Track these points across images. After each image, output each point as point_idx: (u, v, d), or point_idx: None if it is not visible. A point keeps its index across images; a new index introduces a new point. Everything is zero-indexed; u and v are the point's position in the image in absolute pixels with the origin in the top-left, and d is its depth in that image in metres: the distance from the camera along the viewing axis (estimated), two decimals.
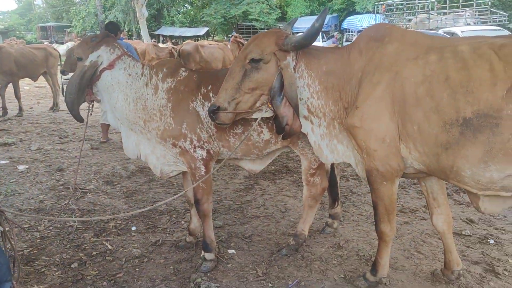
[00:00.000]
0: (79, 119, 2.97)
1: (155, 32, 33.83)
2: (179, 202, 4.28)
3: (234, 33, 25.87)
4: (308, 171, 3.22)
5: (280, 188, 4.77)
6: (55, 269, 2.99)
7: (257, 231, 3.69)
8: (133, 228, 3.67)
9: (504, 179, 2.11)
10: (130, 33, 33.60)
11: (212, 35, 37.61)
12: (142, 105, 2.93)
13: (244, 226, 3.80)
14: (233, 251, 3.32)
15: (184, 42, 13.43)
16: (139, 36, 32.16)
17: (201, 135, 2.93)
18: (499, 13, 19.17)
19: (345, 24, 28.54)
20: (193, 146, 2.92)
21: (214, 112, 2.55)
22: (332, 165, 3.59)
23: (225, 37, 37.36)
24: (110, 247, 3.33)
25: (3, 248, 1.99)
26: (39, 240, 3.41)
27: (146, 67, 3.00)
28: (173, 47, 13.17)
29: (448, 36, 11.95)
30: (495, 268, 3.01)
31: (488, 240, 3.43)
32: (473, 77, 2.14)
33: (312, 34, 2.47)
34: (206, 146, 2.95)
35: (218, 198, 4.44)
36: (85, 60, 2.87)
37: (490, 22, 18.02)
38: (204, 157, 2.96)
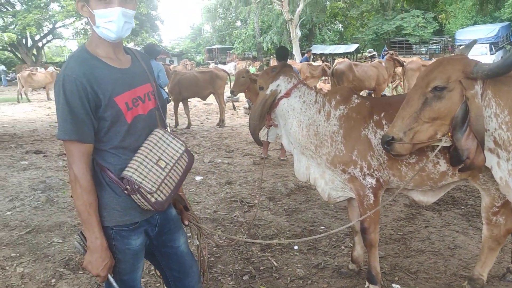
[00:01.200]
0: (259, 142, 3.24)
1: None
2: (337, 225, 4.28)
3: (385, 49, 25.06)
4: (490, 208, 2.89)
5: (447, 221, 4.38)
6: (229, 278, 3.29)
7: (423, 267, 3.45)
8: (295, 248, 3.80)
9: None
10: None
11: (362, 51, 37.09)
12: (314, 131, 3.04)
13: (408, 259, 3.60)
14: (398, 286, 3.17)
15: (336, 61, 13.54)
16: (291, 55, 33.68)
17: (371, 162, 2.89)
18: None
19: None
20: (362, 174, 2.91)
21: (388, 143, 2.49)
22: None
23: (375, 53, 36.47)
24: (275, 263, 3.51)
25: (196, 259, 2.26)
26: (215, 249, 3.79)
27: (319, 95, 3.12)
28: (326, 64, 13.40)
29: None
30: None
31: None
32: None
33: (510, 64, 2.24)
34: (376, 174, 2.91)
35: (379, 226, 4.29)
36: (266, 89, 3.12)
37: None
38: (374, 185, 2.91)
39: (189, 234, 2.28)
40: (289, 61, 20.11)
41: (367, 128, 2.94)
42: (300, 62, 16.94)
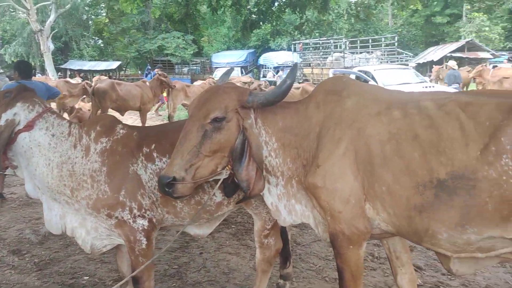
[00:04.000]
0: None
1: (62, 66, 31.78)
2: (104, 271, 3.68)
3: (149, 67, 25.25)
4: (262, 232, 2.93)
5: (220, 243, 4.38)
6: None
7: None
8: None
9: (481, 240, 2.02)
10: (33, 66, 31.13)
11: (124, 69, 36.40)
12: (69, 171, 2.43)
13: None
14: None
15: (94, 78, 12.60)
16: (42, 70, 29.91)
17: (142, 202, 2.50)
18: (405, 53, 21.30)
19: (261, 60, 29.50)
20: (132, 216, 2.48)
21: (169, 184, 2.16)
22: None
23: (139, 71, 36.45)
24: None
25: None
26: None
27: (74, 126, 2.53)
28: (86, 82, 12.27)
29: (365, 76, 12.83)
30: None
31: None
32: (444, 136, 2.05)
33: (284, 91, 2.26)
34: (148, 215, 2.53)
35: None
36: None
37: (398, 61, 19.88)
38: (146, 227, 2.52)
39: None
40: (42, 78, 17.67)
41: (136, 163, 2.54)
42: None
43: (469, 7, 35.06)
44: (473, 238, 2.02)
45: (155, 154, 2.56)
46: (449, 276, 3.63)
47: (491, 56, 27.52)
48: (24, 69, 5.09)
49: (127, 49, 33.24)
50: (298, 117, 2.47)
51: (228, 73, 2.93)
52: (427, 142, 2.07)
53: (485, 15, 34.32)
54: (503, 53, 32.22)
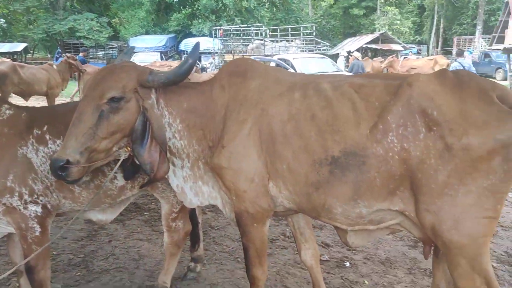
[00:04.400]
0: None
1: None
2: (1, 264, 3.39)
3: (59, 51, 23.41)
4: (169, 215, 2.89)
5: (131, 231, 4.24)
6: None
7: None
8: None
9: (372, 213, 2.18)
10: None
11: (31, 51, 33.43)
12: None
13: (91, 284, 3.21)
14: None
15: None
16: None
17: (34, 187, 2.33)
18: (323, 43, 22.10)
19: (182, 46, 28.76)
20: (23, 202, 2.30)
21: (62, 168, 2.02)
22: None
23: (48, 55, 33.72)
24: None
25: None
26: None
27: None
28: None
29: (284, 63, 13.12)
30: None
31: (344, 263, 3.62)
32: (338, 116, 2.17)
33: (186, 71, 2.22)
34: (41, 200, 2.36)
35: (55, 252, 3.68)
36: None
37: (315, 50, 20.58)
38: (40, 214, 2.36)
39: None
40: None
41: (26, 146, 2.35)
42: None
43: (382, 0, 37.32)
44: (365, 212, 2.17)
45: (47, 136, 2.39)
46: (353, 251, 3.89)
47: (402, 48, 29.54)
48: None
49: (28, 28, 30.37)
50: (204, 99, 2.46)
51: (128, 52, 2.81)
52: (323, 121, 2.18)
53: (397, 9, 36.81)
54: (413, 45, 34.95)
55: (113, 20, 33.87)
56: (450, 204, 1.93)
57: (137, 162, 2.27)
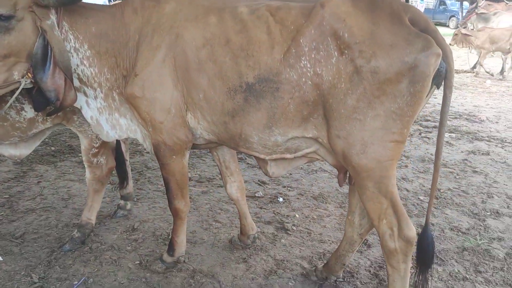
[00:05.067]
0: None
1: None
2: None
3: None
4: (89, 151, 2.77)
5: (63, 172, 4.10)
6: None
7: (31, 227, 3.05)
8: None
9: (287, 141, 2.16)
10: None
11: None
12: None
13: (14, 224, 3.10)
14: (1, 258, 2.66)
15: None
16: None
17: None
18: None
19: None
20: None
21: None
22: (118, 140, 3.20)
23: None
24: None
25: None
26: None
27: None
28: None
29: None
30: (285, 225, 3.21)
31: (278, 199, 3.67)
32: (253, 40, 2.06)
33: None
34: None
35: None
36: None
37: None
38: None
39: None
40: None
41: None
42: None
43: None
44: (280, 140, 2.14)
45: None
46: (288, 188, 3.95)
47: None
48: None
49: None
50: (115, 23, 2.28)
51: None
52: (237, 46, 2.07)
53: None
54: None
55: None
56: (359, 129, 1.92)
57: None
